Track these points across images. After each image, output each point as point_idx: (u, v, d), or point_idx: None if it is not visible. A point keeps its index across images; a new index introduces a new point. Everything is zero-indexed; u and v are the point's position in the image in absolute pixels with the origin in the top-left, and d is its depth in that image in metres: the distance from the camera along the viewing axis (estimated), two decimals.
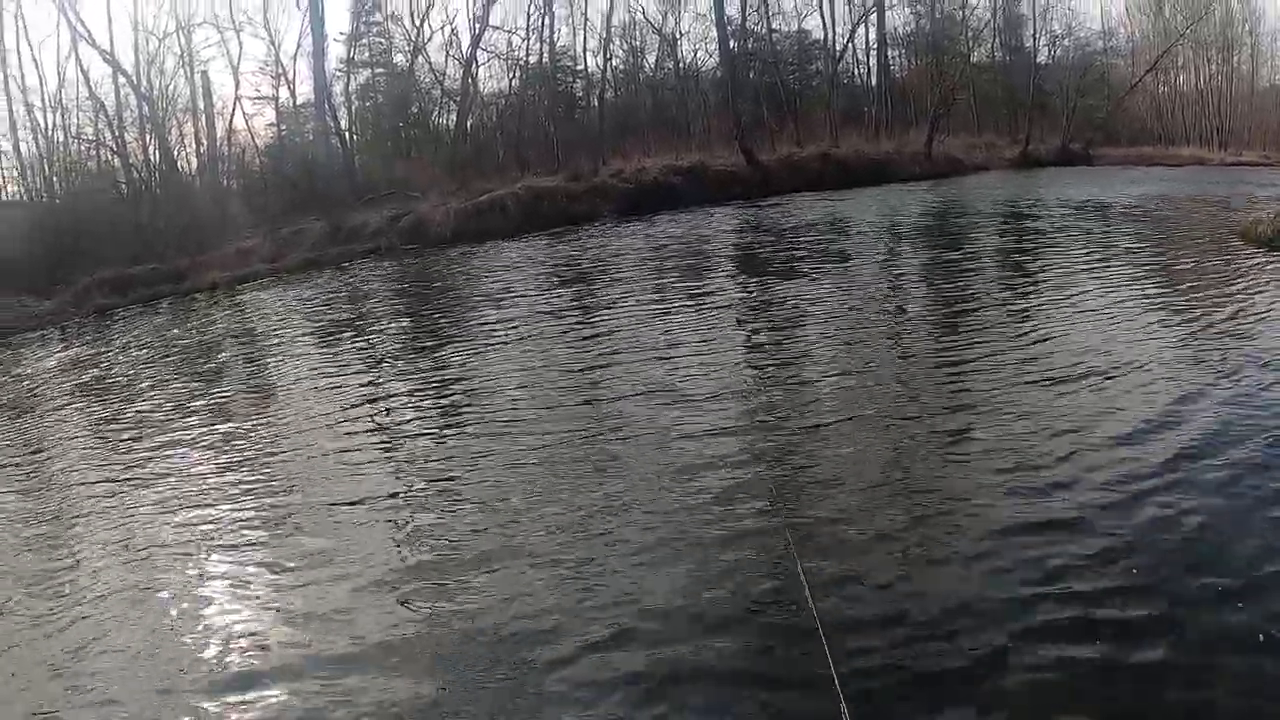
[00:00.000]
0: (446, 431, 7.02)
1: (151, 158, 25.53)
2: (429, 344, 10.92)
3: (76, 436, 9.47)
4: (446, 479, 5.87)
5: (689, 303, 10.67)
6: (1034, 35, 32.88)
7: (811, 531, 4.35)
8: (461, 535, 4.97)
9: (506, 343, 9.90)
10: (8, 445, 9.67)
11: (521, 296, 12.93)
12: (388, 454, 6.81)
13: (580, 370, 8.25)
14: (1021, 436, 5.14)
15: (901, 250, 13.68)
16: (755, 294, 10.95)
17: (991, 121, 32.80)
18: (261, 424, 8.42)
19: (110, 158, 26.14)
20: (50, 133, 26.49)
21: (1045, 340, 7.14)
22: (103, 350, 15.55)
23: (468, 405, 7.63)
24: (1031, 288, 9.50)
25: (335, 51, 29.99)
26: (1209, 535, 3.87)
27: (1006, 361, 6.60)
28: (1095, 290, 8.84)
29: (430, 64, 28.79)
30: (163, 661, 4.28)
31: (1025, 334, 7.41)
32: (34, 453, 9.18)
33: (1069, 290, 8.93)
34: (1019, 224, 15.22)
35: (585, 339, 9.60)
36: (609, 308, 11.10)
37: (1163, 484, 4.37)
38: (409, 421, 7.60)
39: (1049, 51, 34.10)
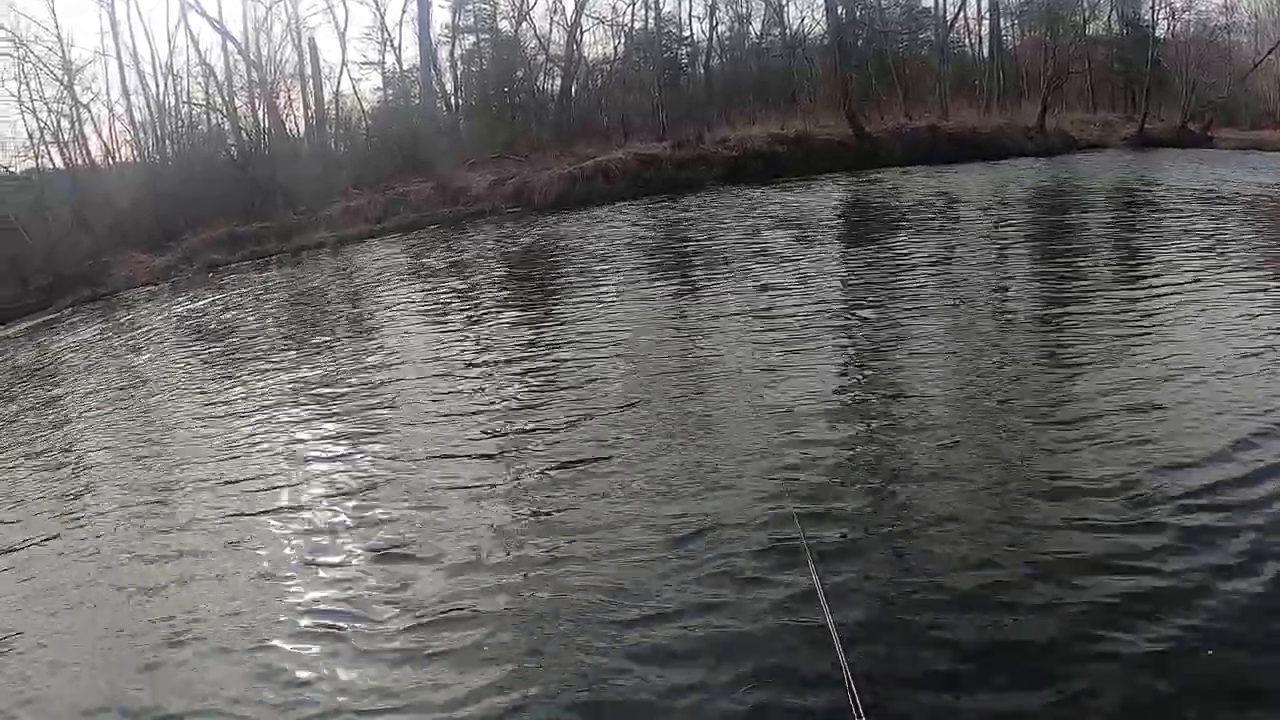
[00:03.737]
0: (534, 386, 7.02)
1: (260, 121, 25.98)
2: (527, 301, 10.83)
3: (180, 385, 9.69)
4: (529, 430, 5.97)
5: (789, 276, 10.11)
6: (1153, 8, 30.96)
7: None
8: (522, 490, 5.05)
9: (604, 306, 9.71)
10: (118, 397, 9.84)
11: (622, 261, 12.68)
12: (481, 394, 7.07)
13: (670, 335, 8.10)
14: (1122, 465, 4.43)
15: (1016, 237, 12.31)
16: (857, 272, 10.17)
17: (1106, 97, 31.17)
18: (365, 370, 8.56)
19: (220, 121, 26.74)
20: (161, 98, 27.22)
21: (1162, 358, 6.06)
22: (211, 303, 15.86)
23: (557, 367, 7.51)
24: (1153, 291, 7.99)
25: (440, 17, 30.18)
26: None
27: (1120, 383, 5.57)
28: (1227, 296, 7.53)
29: (535, 29, 28.68)
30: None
31: (1141, 351, 6.25)
32: (134, 398, 9.41)
33: (1195, 295, 7.61)
34: (1140, 212, 13.64)
35: (682, 305, 9.36)
36: (708, 276, 10.72)
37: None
38: (500, 369, 7.72)
39: (1168, 26, 32.13)
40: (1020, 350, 6.59)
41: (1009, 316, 7.83)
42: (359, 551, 4.68)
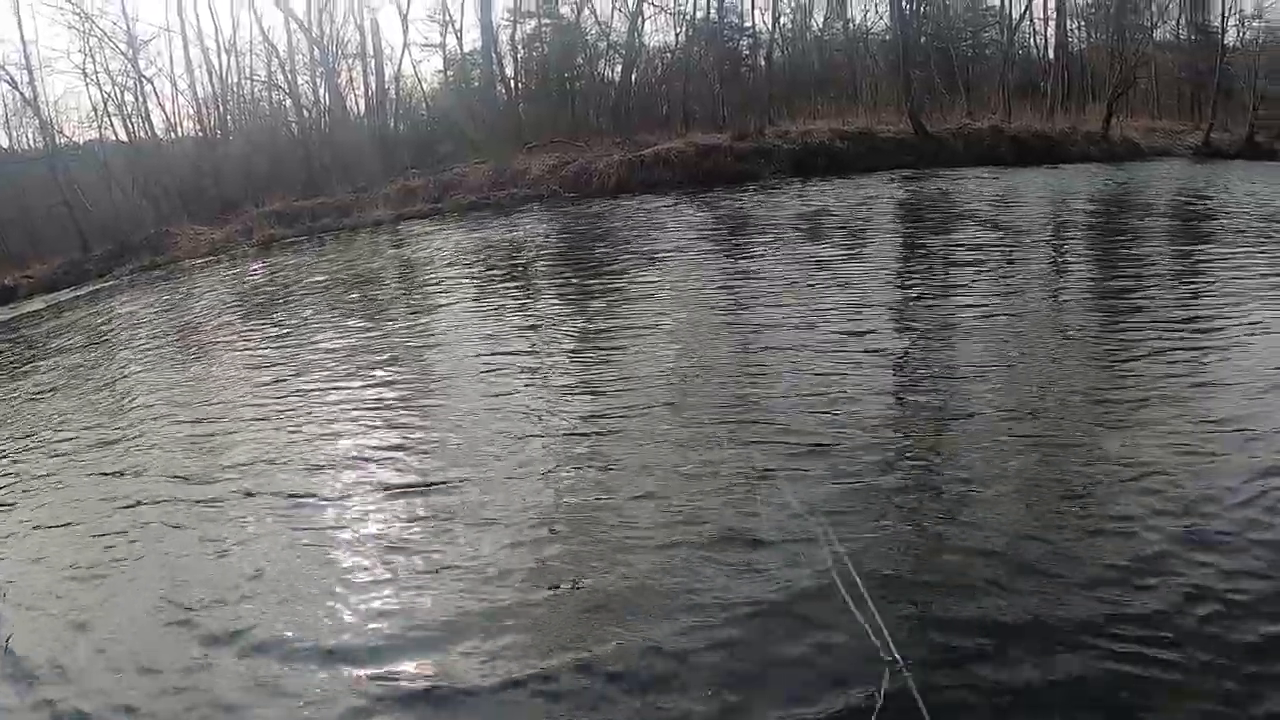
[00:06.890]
0: (584, 371, 6.95)
1: (321, 99, 26.22)
2: (582, 284, 10.70)
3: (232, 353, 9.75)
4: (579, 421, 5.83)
5: (843, 273, 9.75)
6: (1223, 14, 30.16)
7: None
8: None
9: (662, 291, 9.59)
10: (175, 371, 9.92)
11: (679, 250, 12.44)
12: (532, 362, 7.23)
13: (721, 317, 8.08)
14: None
15: (1083, 248, 11.49)
16: (911, 278, 9.70)
17: (1172, 105, 30.47)
18: (419, 337, 8.67)
19: (281, 98, 27.01)
20: (224, 74, 27.56)
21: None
22: (268, 273, 16.04)
23: (610, 346, 7.45)
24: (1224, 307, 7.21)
25: (502, 1, 30.21)
26: None
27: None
28: None
29: (596, 16, 28.64)
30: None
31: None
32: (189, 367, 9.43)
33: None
34: (1219, 234, 11.89)
35: (734, 292, 9.24)
36: (766, 267, 10.49)
37: None
38: (550, 346, 7.78)
39: (1237, 33, 31.31)
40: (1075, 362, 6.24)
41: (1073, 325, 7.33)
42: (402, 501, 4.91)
